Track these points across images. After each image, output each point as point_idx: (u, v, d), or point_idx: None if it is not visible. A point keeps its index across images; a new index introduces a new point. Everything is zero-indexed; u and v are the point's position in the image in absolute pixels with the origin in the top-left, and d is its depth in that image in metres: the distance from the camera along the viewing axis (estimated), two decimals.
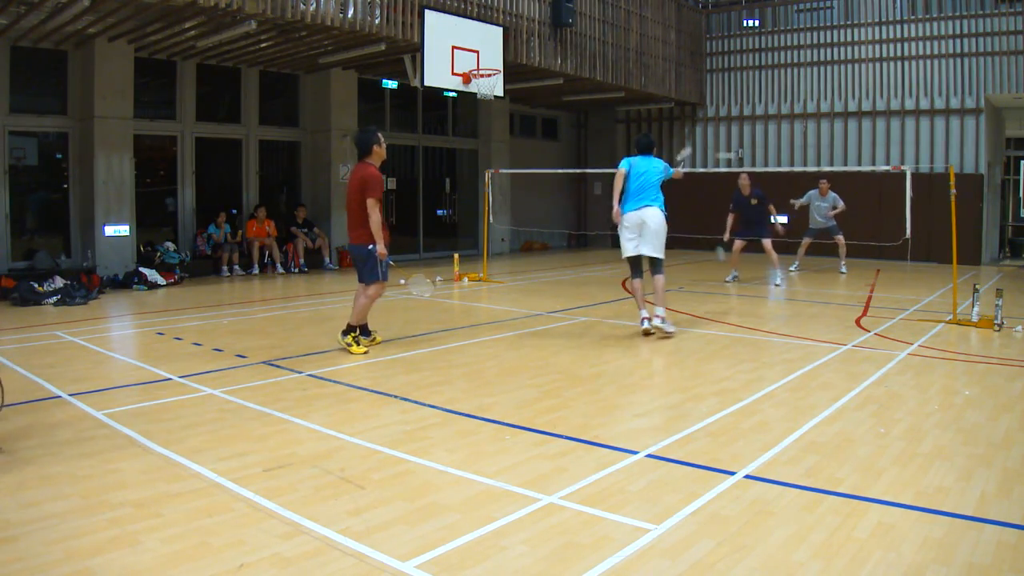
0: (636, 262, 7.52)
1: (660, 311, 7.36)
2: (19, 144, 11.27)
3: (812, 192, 13.48)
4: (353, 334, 6.60)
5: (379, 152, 6.65)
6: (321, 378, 5.65)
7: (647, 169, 7.59)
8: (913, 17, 16.21)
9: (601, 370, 5.99)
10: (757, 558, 2.83)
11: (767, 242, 11.69)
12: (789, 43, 17.75)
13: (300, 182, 14.80)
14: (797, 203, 13.44)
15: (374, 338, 6.93)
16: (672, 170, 7.65)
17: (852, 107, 16.87)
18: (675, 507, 3.28)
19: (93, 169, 11.26)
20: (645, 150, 7.78)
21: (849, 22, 17.02)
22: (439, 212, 16.88)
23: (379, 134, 6.69)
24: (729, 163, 18.33)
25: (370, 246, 6.48)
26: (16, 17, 9.60)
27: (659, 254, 7.35)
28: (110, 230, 11.41)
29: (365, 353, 6.51)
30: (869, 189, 16.11)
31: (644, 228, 7.29)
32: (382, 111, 15.88)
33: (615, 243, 19.58)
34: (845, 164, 16.73)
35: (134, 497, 3.36)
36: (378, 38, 11.09)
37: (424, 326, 7.93)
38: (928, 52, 16.01)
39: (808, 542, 2.95)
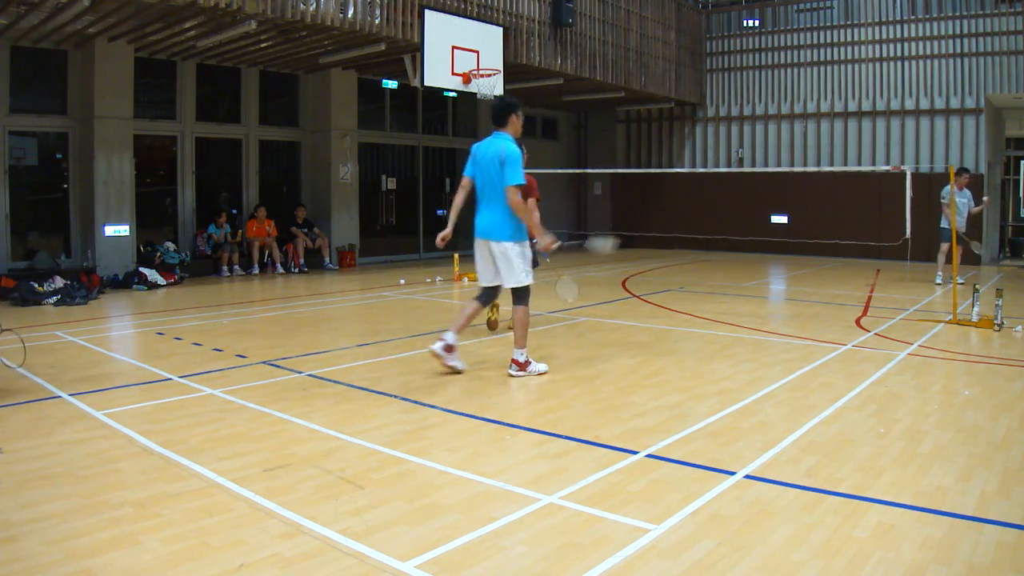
0: (489, 289, 5.98)
1: (517, 354, 5.74)
2: (19, 144, 11.26)
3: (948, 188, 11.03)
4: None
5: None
6: (321, 378, 5.65)
7: (485, 160, 5.70)
8: (913, 17, 16.20)
9: (601, 370, 5.99)
10: (757, 558, 2.83)
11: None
12: (789, 43, 17.75)
13: (300, 182, 14.81)
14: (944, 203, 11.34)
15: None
16: (519, 165, 5.57)
17: (852, 107, 16.86)
18: (675, 507, 3.28)
19: (93, 169, 11.26)
20: (494, 121, 5.83)
21: (849, 22, 17.01)
22: (439, 212, 16.87)
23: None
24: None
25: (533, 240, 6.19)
26: (16, 17, 9.60)
27: (518, 283, 5.74)
28: (110, 230, 11.41)
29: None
30: (869, 189, 16.13)
31: (495, 259, 5.76)
32: (382, 111, 15.88)
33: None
34: (845, 164, 16.73)
35: (134, 497, 3.36)
36: (378, 38, 11.09)
37: (424, 326, 7.93)
38: (928, 52, 16.01)
39: (808, 542, 2.95)
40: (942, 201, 11.40)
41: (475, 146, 5.90)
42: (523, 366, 5.75)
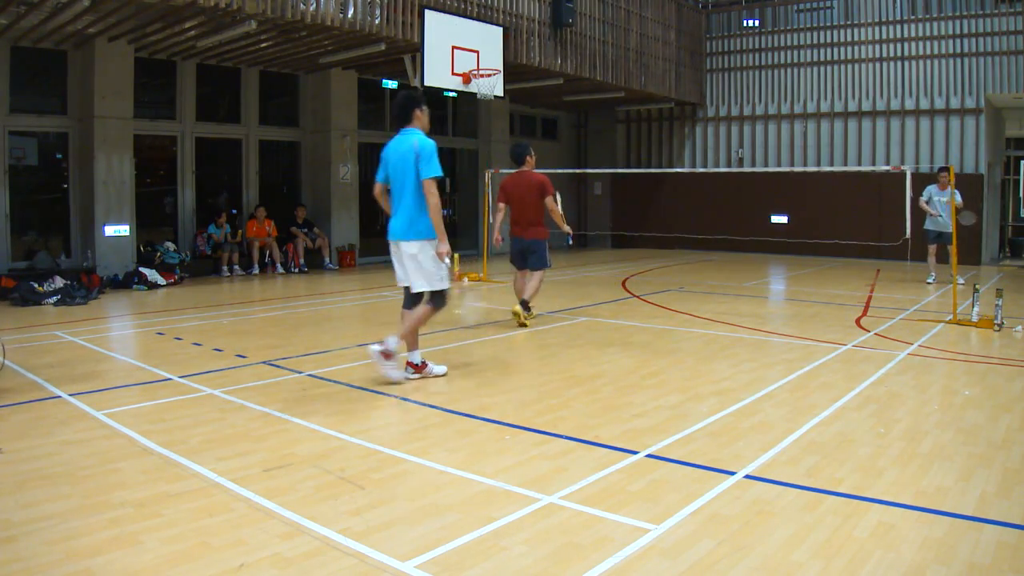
0: (408, 289, 5.65)
1: (412, 356, 5.58)
2: (19, 144, 11.26)
3: (931, 187, 11.68)
4: (530, 311, 7.89)
5: (531, 162, 8.09)
6: (321, 378, 5.65)
7: (397, 158, 5.35)
8: (913, 17, 16.21)
9: (601, 370, 5.99)
10: (757, 558, 2.83)
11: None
12: (789, 43, 17.75)
13: (300, 182, 14.80)
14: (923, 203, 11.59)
15: (532, 314, 7.99)
16: (435, 157, 5.25)
17: (852, 107, 16.86)
18: (675, 507, 3.28)
19: (93, 169, 11.26)
20: (397, 120, 5.47)
21: (849, 22, 17.01)
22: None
23: (530, 147, 8.17)
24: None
25: (567, 234, 8.65)
26: (16, 17, 9.60)
27: (432, 286, 5.43)
28: (110, 230, 11.41)
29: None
30: (869, 189, 16.12)
31: (404, 259, 5.47)
32: (382, 111, 15.88)
33: (615, 243, 19.77)
34: (845, 164, 16.73)
35: (134, 497, 3.36)
36: (378, 38, 11.09)
37: (424, 326, 7.91)
38: (928, 52, 16.01)
39: (808, 542, 2.95)
40: (922, 199, 11.51)
41: (384, 149, 5.53)
42: (419, 369, 5.59)
